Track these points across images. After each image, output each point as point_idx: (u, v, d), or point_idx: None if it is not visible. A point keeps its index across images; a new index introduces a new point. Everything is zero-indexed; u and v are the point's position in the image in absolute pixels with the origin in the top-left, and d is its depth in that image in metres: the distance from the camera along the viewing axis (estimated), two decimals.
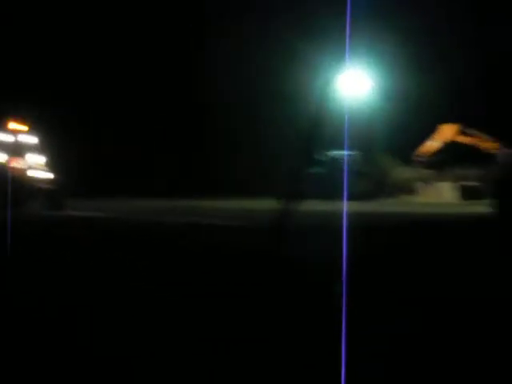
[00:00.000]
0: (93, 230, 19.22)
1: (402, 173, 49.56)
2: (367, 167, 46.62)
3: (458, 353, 6.46)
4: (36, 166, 30.19)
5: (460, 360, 6.23)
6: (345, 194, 11.61)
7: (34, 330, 7.17)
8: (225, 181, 45.32)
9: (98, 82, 49.94)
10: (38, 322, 7.55)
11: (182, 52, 51.50)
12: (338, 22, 12.20)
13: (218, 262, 12.48)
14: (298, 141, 13.27)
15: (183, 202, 34.73)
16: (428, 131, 48.05)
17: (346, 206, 9.09)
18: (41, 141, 30.96)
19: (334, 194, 20.94)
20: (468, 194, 45.15)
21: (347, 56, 11.79)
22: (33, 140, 30.79)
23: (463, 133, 47.04)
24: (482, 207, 29.16)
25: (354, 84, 26.80)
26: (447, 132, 47.86)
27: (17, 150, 30.04)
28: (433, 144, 48.75)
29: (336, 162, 42.94)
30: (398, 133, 45.57)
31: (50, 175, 30.09)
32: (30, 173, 29.69)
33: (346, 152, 35.68)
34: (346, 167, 30.30)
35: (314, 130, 12.89)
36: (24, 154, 30.15)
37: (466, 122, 46.59)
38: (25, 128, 30.74)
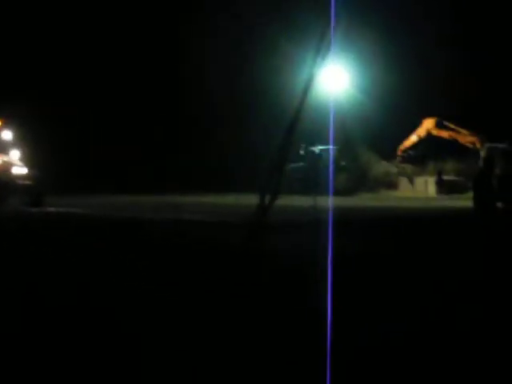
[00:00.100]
0: (72, 227, 19.14)
1: (382, 167, 49.78)
2: (348, 162, 46.79)
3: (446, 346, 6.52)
4: (13, 162, 29.99)
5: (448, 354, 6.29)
6: (329, 188, 11.65)
7: (23, 333, 7.13)
8: (207, 176, 45.27)
9: (76, 76, 49.79)
10: (29, 325, 7.52)
11: (166, 45, 51.50)
12: (320, 18, 12.25)
13: (195, 258, 12.46)
14: (279, 136, 13.23)
15: (167, 198, 34.66)
16: (409, 126, 48.28)
17: (330, 201, 9.13)
18: (16, 136, 30.77)
19: (314, 188, 21.01)
20: (448, 187, 45.43)
21: (329, 51, 11.82)
22: (7, 136, 30.59)
23: (442, 126, 47.24)
24: (461, 201, 29.35)
25: (335, 79, 26.87)
26: (425, 126, 48.09)
27: None
28: (412, 138, 48.98)
29: (317, 157, 43.07)
30: (379, 128, 45.75)
31: (26, 170, 29.91)
32: (10, 169, 29.50)
33: (330, 147, 35.76)
34: (330, 162, 30.41)
35: (295, 124, 12.90)
36: (3, 150, 29.96)
37: (445, 116, 46.82)
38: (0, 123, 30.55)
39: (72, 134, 48.64)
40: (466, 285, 9.74)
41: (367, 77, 45.35)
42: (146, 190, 38.75)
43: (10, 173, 29.37)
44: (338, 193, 31.62)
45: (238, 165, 45.39)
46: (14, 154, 30.33)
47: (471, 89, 46.97)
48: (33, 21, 49.24)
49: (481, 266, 11.64)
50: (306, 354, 6.09)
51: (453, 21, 48.07)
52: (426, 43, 48.99)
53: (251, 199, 13.42)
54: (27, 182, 29.29)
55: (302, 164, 42.62)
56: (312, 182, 28.98)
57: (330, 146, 36.05)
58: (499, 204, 25.25)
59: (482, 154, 39.04)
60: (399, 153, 49.51)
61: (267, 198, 12.64)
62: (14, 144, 30.64)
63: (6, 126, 30.91)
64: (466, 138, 46.04)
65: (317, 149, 44.15)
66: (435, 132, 47.41)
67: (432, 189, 46.58)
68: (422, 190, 46.92)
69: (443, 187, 45.84)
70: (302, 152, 43.57)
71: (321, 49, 12.43)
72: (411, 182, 48.41)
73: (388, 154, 49.69)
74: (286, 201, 14.46)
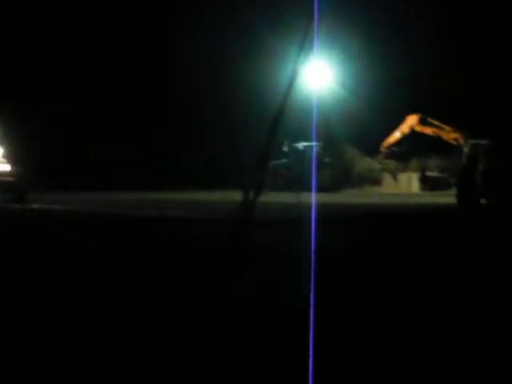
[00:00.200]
0: (57, 223, 19.06)
1: (366, 164, 49.87)
2: (332, 158, 46.84)
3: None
4: None
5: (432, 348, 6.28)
6: (312, 184, 11.63)
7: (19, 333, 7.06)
8: (193, 173, 45.24)
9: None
10: (25, 324, 7.46)
11: (150, 43, 51.45)
12: (304, 14, 12.22)
13: (181, 254, 12.43)
14: (263, 132, 13.20)
15: (153, 195, 34.61)
16: (393, 123, 48.35)
17: (313, 197, 9.11)
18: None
19: (298, 184, 20.98)
20: (431, 184, 45.59)
21: (313, 47, 11.80)
22: None
23: (425, 123, 47.30)
24: (445, 197, 29.46)
25: (319, 75, 26.85)
26: (409, 122, 48.16)
27: None
28: (395, 134, 49.06)
29: (300, 154, 43.08)
30: (363, 124, 45.83)
31: (9, 167, 29.76)
32: None
33: (314, 143, 35.76)
34: (314, 158, 30.39)
35: (279, 121, 12.87)
36: None
37: (430, 112, 46.92)
38: None
39: (67, 133, 48.62)
40: (447, 281, 9.76)
41: (351, 73, 45.40)
42: (132, 187, 38.66)
43: None
44: (321, 189, 31.64)
45: (226, 162, 45.40)
46: None
47: (456, 85, 47.12)
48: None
49: (463, 261, 11.67)
50: (290, 348, 6.07)
51: (438, 17, 48.23)
52: (410, 39, 49.13)
53: (237, 196, 13.37)
54: (9, 179, 29.16)
55: (285, 160, 42.63)
56: (295, 179, 28.96)
57: (314, 143, 36.06)
58: (482, 200, 25.44)
59: (466, 150, 39.13)
60: (382, 149, 49.59)
61: (251, 195, 12.61)
62: None
63: None
64: (449, 134, 46.12)
65: (300, 145, 44.17)
66: (419, 128, 47.46)
67: (416, 185, 46.72)
68: (405, 186, 47.05)
69: (427, 183, 45.99)
70: (285, 148, 43.56)
71: (304, 44, 12.40)
72: (395, 178, 48.54)
73: (372, 150, 49.76)
74: (269, 197, 14.44)
